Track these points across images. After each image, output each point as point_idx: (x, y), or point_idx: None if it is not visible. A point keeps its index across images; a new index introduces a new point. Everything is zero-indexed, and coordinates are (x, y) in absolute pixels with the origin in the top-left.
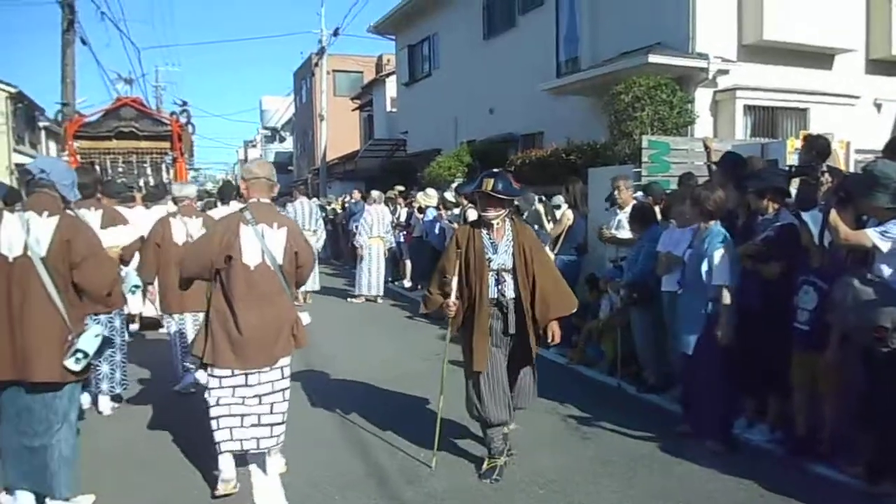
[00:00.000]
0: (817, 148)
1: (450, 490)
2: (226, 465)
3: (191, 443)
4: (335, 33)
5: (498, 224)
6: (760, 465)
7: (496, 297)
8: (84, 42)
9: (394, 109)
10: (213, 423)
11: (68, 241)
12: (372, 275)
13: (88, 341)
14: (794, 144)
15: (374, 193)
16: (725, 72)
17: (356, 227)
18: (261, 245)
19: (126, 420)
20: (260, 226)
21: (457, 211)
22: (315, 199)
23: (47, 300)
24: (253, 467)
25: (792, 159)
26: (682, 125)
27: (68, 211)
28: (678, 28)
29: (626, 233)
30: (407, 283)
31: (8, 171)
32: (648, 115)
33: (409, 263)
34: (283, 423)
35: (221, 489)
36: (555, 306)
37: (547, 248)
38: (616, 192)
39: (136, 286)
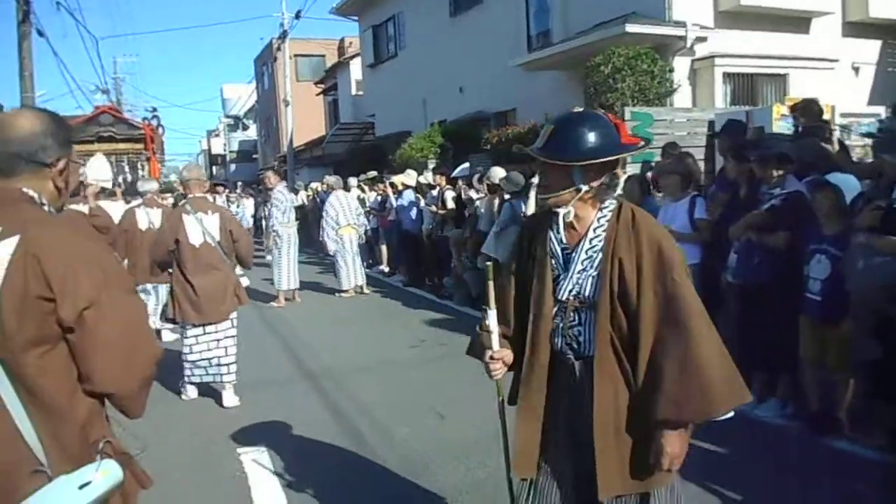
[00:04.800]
0: (813, 112)
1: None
2: (192, 391)
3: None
4: (297, 16)
5: (571, 215)
6: (774, 443)
7: (561, 348)
8: (41, 34)
9: (359, 92)
10: (187, 365)
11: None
12: (349, 266)
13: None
14: (779, 110)
15: (331, 179)
16: (703, 39)
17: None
18: (201, 228)
19: None
20: (198, 214)
21: (434, 193)
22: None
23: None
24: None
25: (779, 126)
26: (663, 95)
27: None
28: None
29: None
30: (385, 269)
31: None
32: (629, 86)
33: (384, 248)
34: (235, 362)
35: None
36: (679, 397)
37: None
38: None
39: None
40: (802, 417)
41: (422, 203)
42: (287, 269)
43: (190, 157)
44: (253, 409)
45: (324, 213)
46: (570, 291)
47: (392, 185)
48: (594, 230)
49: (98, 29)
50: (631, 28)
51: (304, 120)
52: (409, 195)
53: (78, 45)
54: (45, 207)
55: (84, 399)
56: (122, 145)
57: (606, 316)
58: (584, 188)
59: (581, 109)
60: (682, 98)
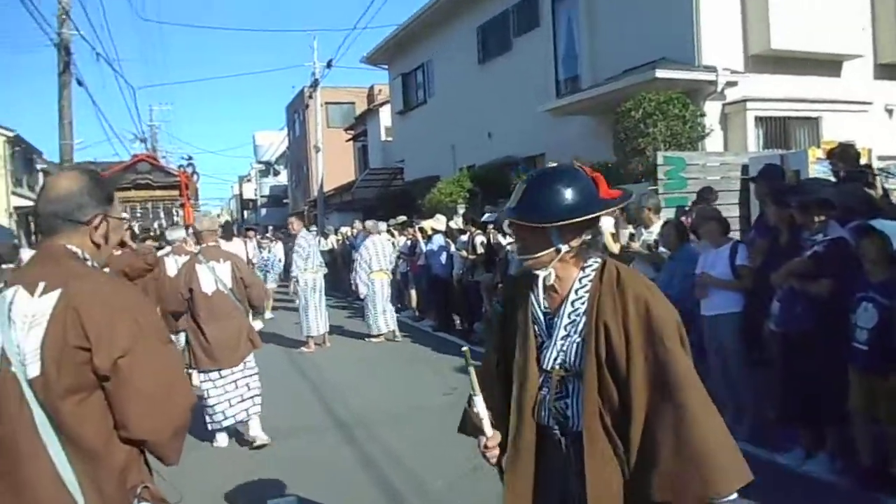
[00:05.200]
0: (850, 157)
1: None
2: (222, 438)
3: None
4: (328, 65)
5: (551, 278)
6: (824, 500)
7: (548, 422)
8: (80, 83)
9: (388, 138)
10: (209, 410)
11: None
12: (379, 311)
13: None
14: (815, 154)
15: (369, 224)
16: (734, 83)
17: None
18: (213, 276)
19: None
20: (210, 263)
21: (464, 238)
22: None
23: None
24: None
25: (814, 170)
26: (695, 139)
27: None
28: (683, 41)
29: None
30: (413, 314)
31: (7, 214)
32: (661, 131)
33: (413, 293)
34: (259, 395)
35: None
36: (675, 480)
37: None
38: (641, 211)
39: None
40: (853, 473)
41: (452, 248)
42: (314, 315)
43: (222, 201)
44: (283, 456)
45: (357, 257)
46: (555, 360)
47: (421, 229)
48: (576, 292)
49: (135, 78)
50: (661, 73)
51: (334, 165)
52: (438, 240)
53: (116, 94)
54: (88, 262)
55: (121, 445)
56: (158, 192)
57: (594, 386)
58: (564, 248)
59: (556, 165)
60: (714, 142)
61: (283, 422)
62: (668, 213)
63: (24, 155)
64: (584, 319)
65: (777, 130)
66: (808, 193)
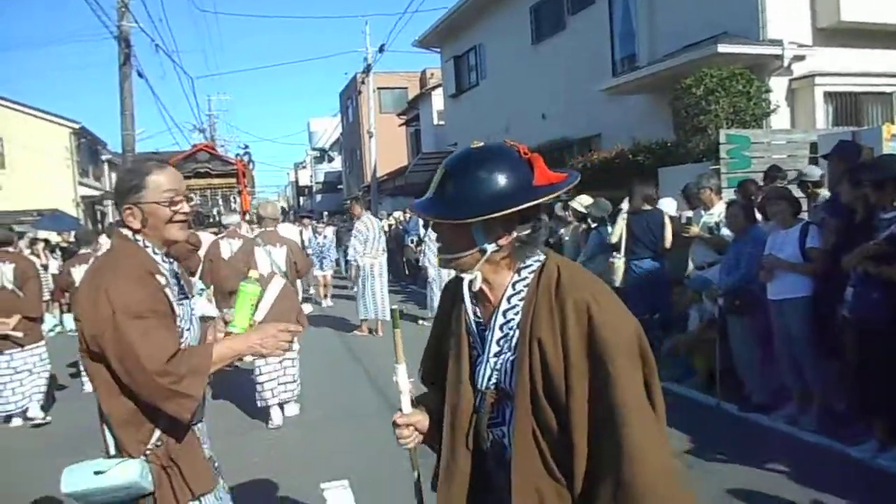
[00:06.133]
0: None
1: None
2: (276, 414)
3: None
4: (381, 50)
5: (478, 282)
6: None
7: (484, 450)
8: (140, 75)
9: (441, 122)
10: (259, 388)
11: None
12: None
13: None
14: (890, 130)
15: None
16: (801, 58)
17: (412, 241)
18: (269, 259)
19: None
20: (268, 246)
21: None
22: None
23: None
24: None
25: (889, 147)
26: (759, 117)
27: None
28: (746, 15)
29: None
30: None
31: (74, 204)
32: (724, 108)
33: None
34: (296, 380)
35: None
36: None
37: (617, 262)
38: (701, 192)
39: (202, 289)
40: None
41: None
42: (370, 300)
43: (278, 188)
44: (336, 440)
45: (426, 239)
46: (488, 379)
47: None
48: (508, 300)
49: (193, 68)
50: (723, 48)
51: (387, 150)
52: None
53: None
54: (139, 241)
55: (120, 403)
56: (216, 180)
57: (526, 414)
58: (491, 248)
59: (480, 144)
60: (780, 119)
61: (336, 405)
62: (729, 195)
63: (89, 146)
64: (517, 333)
65: (848, 106)
66: (884, 171)
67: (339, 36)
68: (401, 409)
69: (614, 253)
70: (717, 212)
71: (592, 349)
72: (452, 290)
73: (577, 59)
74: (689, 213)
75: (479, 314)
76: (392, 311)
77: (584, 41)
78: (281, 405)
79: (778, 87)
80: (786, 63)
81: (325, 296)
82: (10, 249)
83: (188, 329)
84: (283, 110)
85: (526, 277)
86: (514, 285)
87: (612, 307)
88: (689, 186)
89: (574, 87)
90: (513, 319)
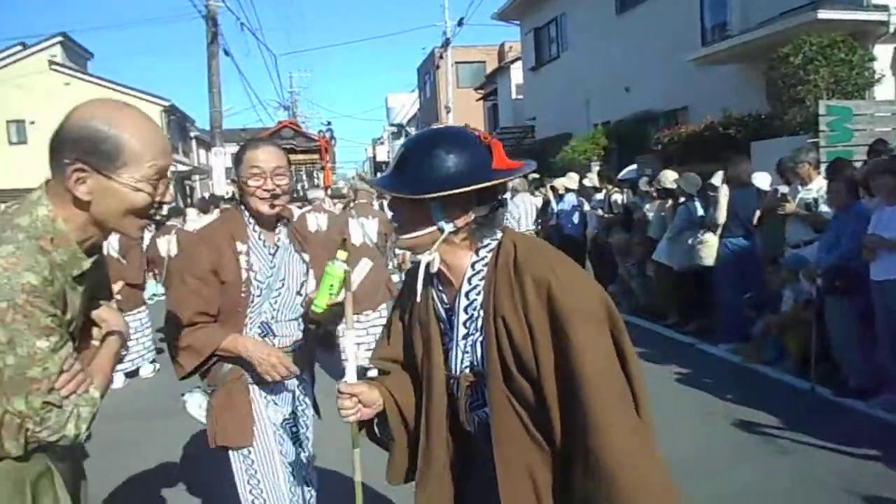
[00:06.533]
0: None
1: None
2: (350, 374)
3: None
4: (460, 23)
5: (436, 263)
6: None
7: (476, 429)
8: (227, 53)
9: (519, 96)
10: (343, 351)
11: None
12: None
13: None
14: None
15: (516, 182)
16: None
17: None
18: (362, 231)
19: None
20: (360, 218)
21: (599, 196)
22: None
23: None
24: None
25: None
26: (862, 87)
27: None
28: None
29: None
30: None
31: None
32: (824, 78)
33: None
34: None
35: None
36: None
37: (710, 239)
38: (799, 167)
39: None
40: None
41: (585, 206)
42: None
43: (356, 164)
44: None
45: (507, 215)
46: (461, 363)
47: (553, 188)
48: (469, 281)
49: (275, 45)
50: (824, 14)
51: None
52: (570, 199)
53: (258, 62)
54: (242, 211)
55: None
56: (300, 156)
57: (501, 389)
58: (449, 228)
59: (441, 126)
60: (885, 90)
61: None
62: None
63: (178, 123)
64: (481, 313)
65: None
66: None
67: (417, 11)
68: (345, 379)
69: (705, 230)
70: (816, 187)
71: (554, 322)
72: (413, 278)
73: (663, 28)
74: (785, 189)
75: (445, 299)
76: (345, 272)
77: (672, 9)
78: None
79: (883, 55)
80: (891, 29)
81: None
82: (168, 223)
83: (266, 291)
84: (362, 86)
85: (484, 257)
86: (472, 266)
87: (571, 277)
88: (785, 160)
89: (660, 58)
90: (476, 300)
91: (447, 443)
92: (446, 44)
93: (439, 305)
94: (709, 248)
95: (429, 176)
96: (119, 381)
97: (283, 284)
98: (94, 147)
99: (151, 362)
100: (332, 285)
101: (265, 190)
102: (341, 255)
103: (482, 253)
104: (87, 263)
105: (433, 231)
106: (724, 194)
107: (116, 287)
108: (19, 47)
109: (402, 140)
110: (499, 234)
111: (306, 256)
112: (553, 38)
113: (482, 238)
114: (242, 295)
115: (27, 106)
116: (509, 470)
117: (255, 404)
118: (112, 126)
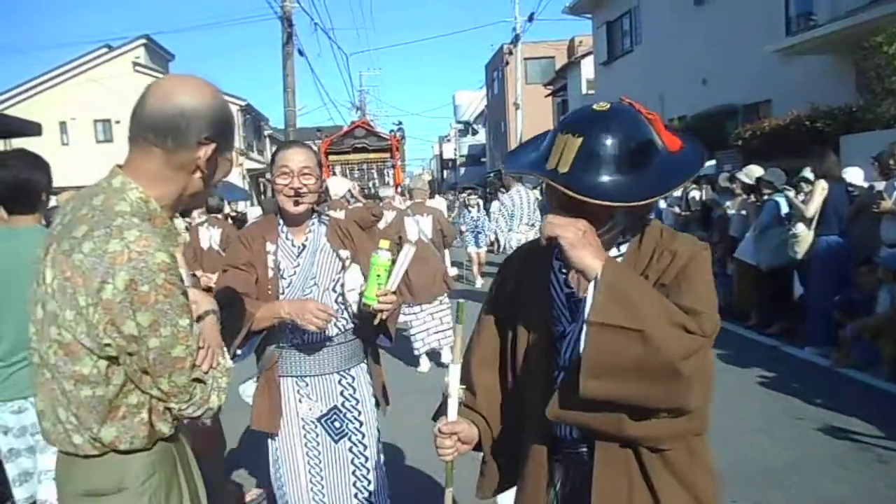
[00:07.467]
0: None
1: None
2: (424, 363)
3: None
4: (530, 18)
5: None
6: None
7: (570, 435)
8: (301, 53)
9: (590, 91)
10: (413, 339)
11: None
12: None
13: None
14: None
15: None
16: None
17: None
18: (417, 228)
19: None
20: (416, 216)
21: (676, 193)
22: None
23: None
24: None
25: None
26: None
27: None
28: None
29: None
30: None
31: (240, 177)
32: None
33: None
34: (450, 328)
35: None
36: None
37: (803, 234)
38: (893, 161)
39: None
40: None
41: (661, 204)
42: None
43: (423, 161)
44: None
45: (500, 209)
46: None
47: None
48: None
49: (346, 45)
50: None
51: (532, 122)
52: None
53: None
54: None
55: None
56: (372, 155)
57: None
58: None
59: (607, 106)
60: None
61: None
62: None
63: (253, 122)
64: None
65: None
66: None
67: (485, 7)
68: (446, 416)
69: (797, 224)
70: None
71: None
72: (516, 269)
73: (745, 18)
74: (881, 185)
75: (572, 285)
76: (458, 303)
77: None
78: (432, 353)
79: None
80: None
81: (479, 274)
82: (219, 216)
83: (289, 290)
84: (429, 84)
85: (628, 239)
86: (618, 246)
87: (707, 264)
88: (882, 155)
89: (741, 49)
90: None
91: (547, 442)
92: (516, 40)
93: (559, 292)
94: (802, 242)
95: (635, 179)
96: None
97: (314, 282)
98: (226, 128)
99: None
100: (378, 275)
101: (291, 188)
102: (384, 244)
103: (622, 247)
104: (182, 238)
105: (614, 229)
106: (822, 187)
107: (215, 276)
108: (105, 49)
109: (468, 137)
110: (640, 236)
111: (344, 253)
112: (626, 31)
113: (618, 231)
114: (269, 292)
115: (113, 106)
116: (606, 461)
117: (285, 398)
118: (228, 108)
